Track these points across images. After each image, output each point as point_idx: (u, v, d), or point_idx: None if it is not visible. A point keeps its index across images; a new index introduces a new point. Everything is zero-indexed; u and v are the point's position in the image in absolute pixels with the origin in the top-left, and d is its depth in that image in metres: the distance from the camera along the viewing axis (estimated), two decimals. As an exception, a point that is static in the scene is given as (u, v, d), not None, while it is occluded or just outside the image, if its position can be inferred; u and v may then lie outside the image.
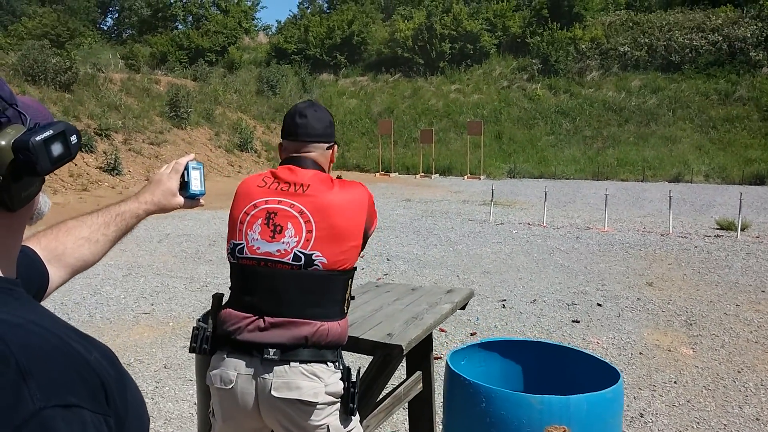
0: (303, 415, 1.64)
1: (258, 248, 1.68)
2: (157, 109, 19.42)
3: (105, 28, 42.46)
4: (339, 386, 1.68)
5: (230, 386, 1.67)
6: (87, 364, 0.58)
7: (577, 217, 11.30)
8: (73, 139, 0.72)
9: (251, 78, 27.45)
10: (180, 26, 38.14)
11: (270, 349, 1.63)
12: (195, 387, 3.75)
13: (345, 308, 1.73)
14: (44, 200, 0.79)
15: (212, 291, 6.07)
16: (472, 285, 6.27)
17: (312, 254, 1.63)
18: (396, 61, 28.21)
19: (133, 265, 7.13)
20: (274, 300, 1.66)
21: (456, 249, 8.29)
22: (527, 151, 22.10)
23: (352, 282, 1.76)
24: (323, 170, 1.78)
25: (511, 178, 20.04)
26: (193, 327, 1.79)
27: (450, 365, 1.99)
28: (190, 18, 38.30)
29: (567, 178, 19.51)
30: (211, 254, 7.93)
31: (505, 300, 5.76)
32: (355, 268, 1.78)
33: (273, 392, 1.62)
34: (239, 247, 1.71)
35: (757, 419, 3.48)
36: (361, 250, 1.76)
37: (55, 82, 17.24)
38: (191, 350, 1.76)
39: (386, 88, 27.78)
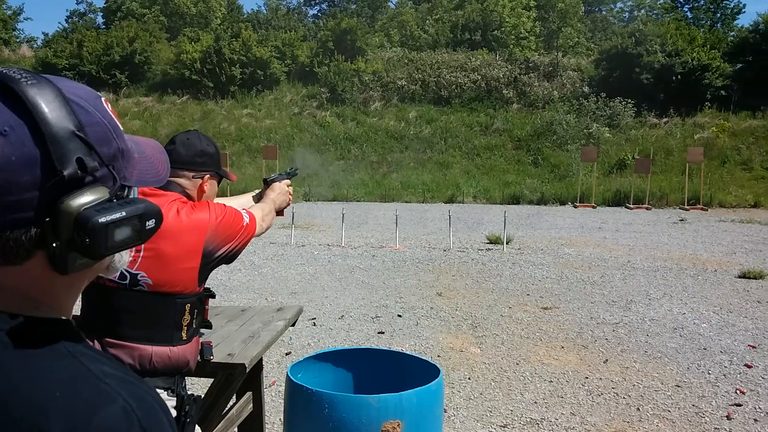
0: None
1: None
2: None
3: None
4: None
5: None
6: (167, 410, 0.60)
7: (371, 237, 12.02)
8: (150, 223, 0.61)
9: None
10: None
11: None
12: None
13: (183, 334, 1.69)
14: (119, 255, 0.66)
15: None
16: (281, 307, 6.32)
17: (137, 274, 1.61)
18: (184, 82, 27.03)
19: None
20: (102, 318, 1.61)
21: (261, 272, 8.25)
22: (320, 175, 22.83)
23: (196, 308, 1.73)
24: (189, 197, 1.75)
25: (306, 201, 20.49)
26: None
27: (291, 377, 2.07)
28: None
29: (358, 201, 20.60)
30: None
31: (314, 318, 5.93)
32: (202, 294, 1.76)
33: None
34: None
35: (535, 402, 4.12)
36: (211, 269, 1.76)
37: None
38: None
39: (174, 109, 26.44)
